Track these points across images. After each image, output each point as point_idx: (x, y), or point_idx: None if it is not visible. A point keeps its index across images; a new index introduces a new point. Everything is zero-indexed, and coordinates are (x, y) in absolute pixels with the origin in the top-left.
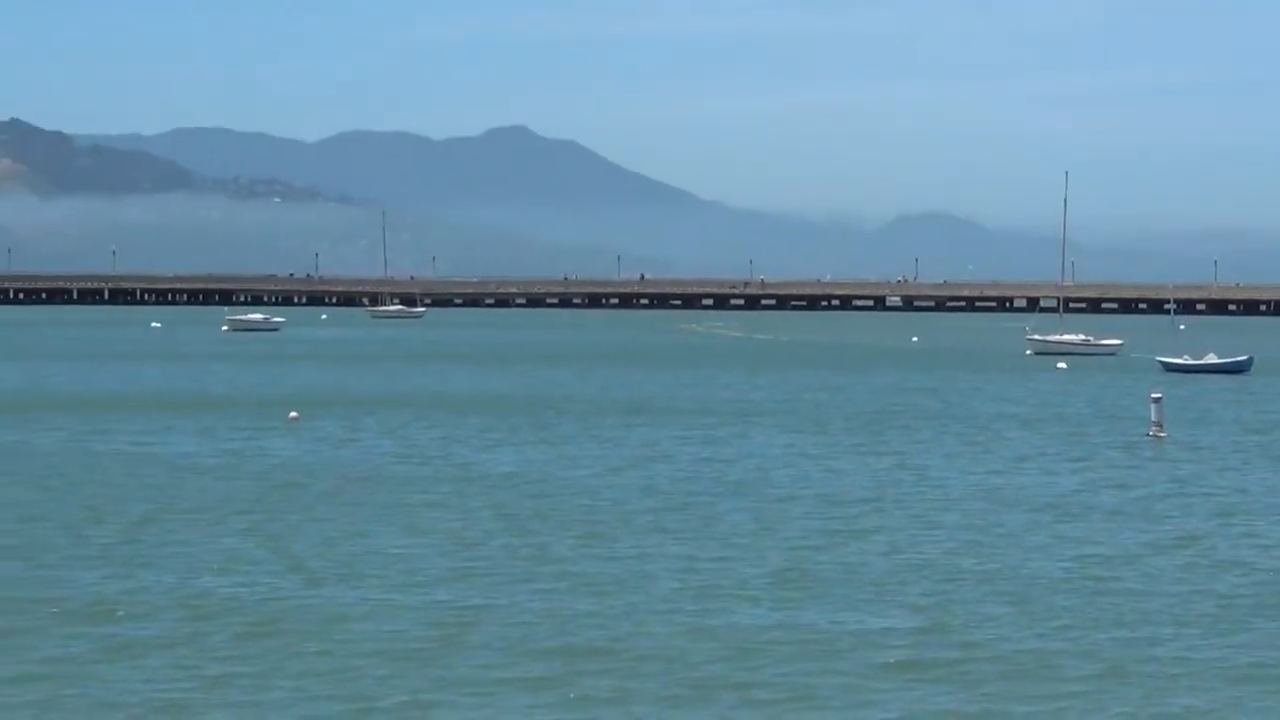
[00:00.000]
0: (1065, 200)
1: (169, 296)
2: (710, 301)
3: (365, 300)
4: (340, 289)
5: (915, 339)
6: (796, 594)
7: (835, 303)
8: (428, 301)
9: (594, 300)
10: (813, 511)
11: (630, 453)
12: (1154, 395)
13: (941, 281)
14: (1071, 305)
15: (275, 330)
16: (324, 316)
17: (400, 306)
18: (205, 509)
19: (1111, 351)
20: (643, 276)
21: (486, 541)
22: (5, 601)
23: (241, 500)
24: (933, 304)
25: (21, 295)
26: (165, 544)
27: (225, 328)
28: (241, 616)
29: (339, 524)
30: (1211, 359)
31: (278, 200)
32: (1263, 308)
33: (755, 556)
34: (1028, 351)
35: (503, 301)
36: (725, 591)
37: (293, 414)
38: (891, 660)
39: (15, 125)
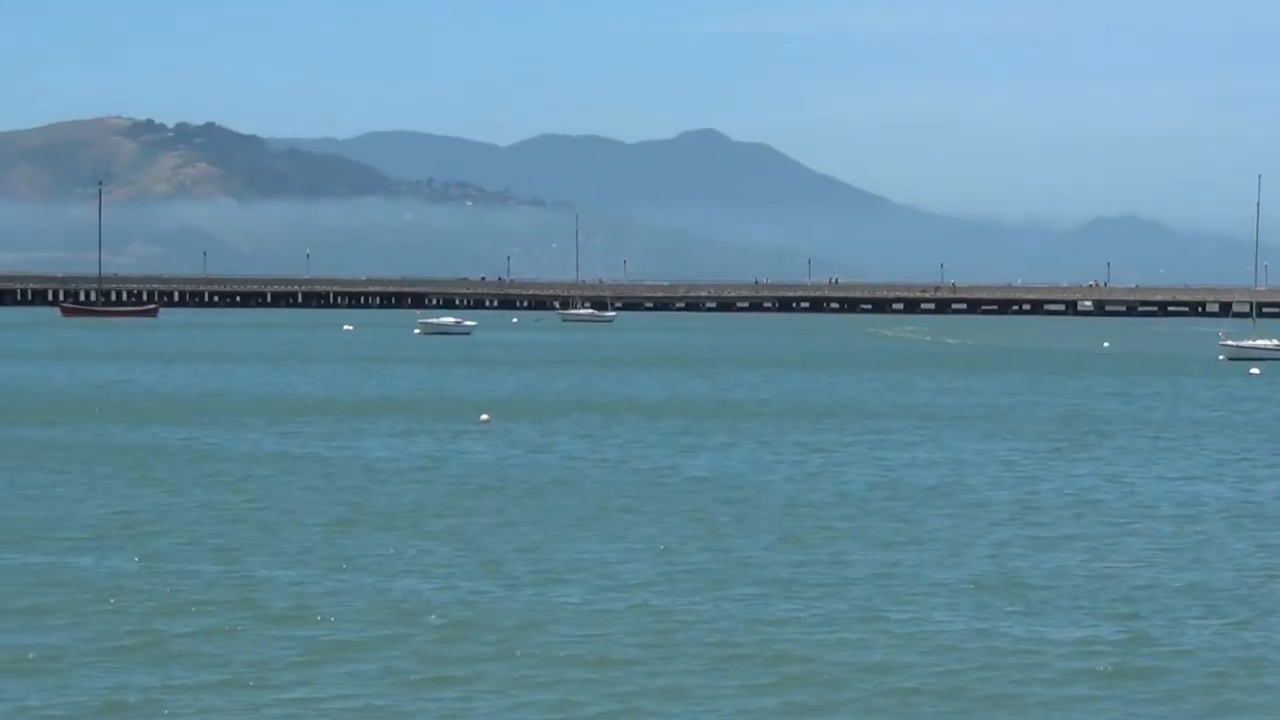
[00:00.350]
0: (1258, 203)
1: (361, 299)
2: (900, 305)
3: (556, 304)
4: (532, 292)
5: (1106, 344)
6: (997, 600)
7: (1026, 307)
8: (619, 305)
9: (784, 304)
10: (1010, 517)
11: (824, 457)
12: None
13: (1133, 286)
14: (1265, 310)
15: (467, 334)
16: (515, 320)
17: (591, 310)
18: (401, 512)
19: None
20: (834, 280)
21: (684, 546)
22: (206, 604)
23: (437, 503)
24: (1124, 309)
25: (216, 298)
26: (363, 547)
27: (417, 330)
28: (443, 620)
29: (536, 528)
30: None
31: (470, 204)
32: None
33: (954, 562)
34: (1221, 357)
35: (693, 305)
36: (925, 598)
37: (484, 416)
38: (1097, 668)
39: (212, 129)
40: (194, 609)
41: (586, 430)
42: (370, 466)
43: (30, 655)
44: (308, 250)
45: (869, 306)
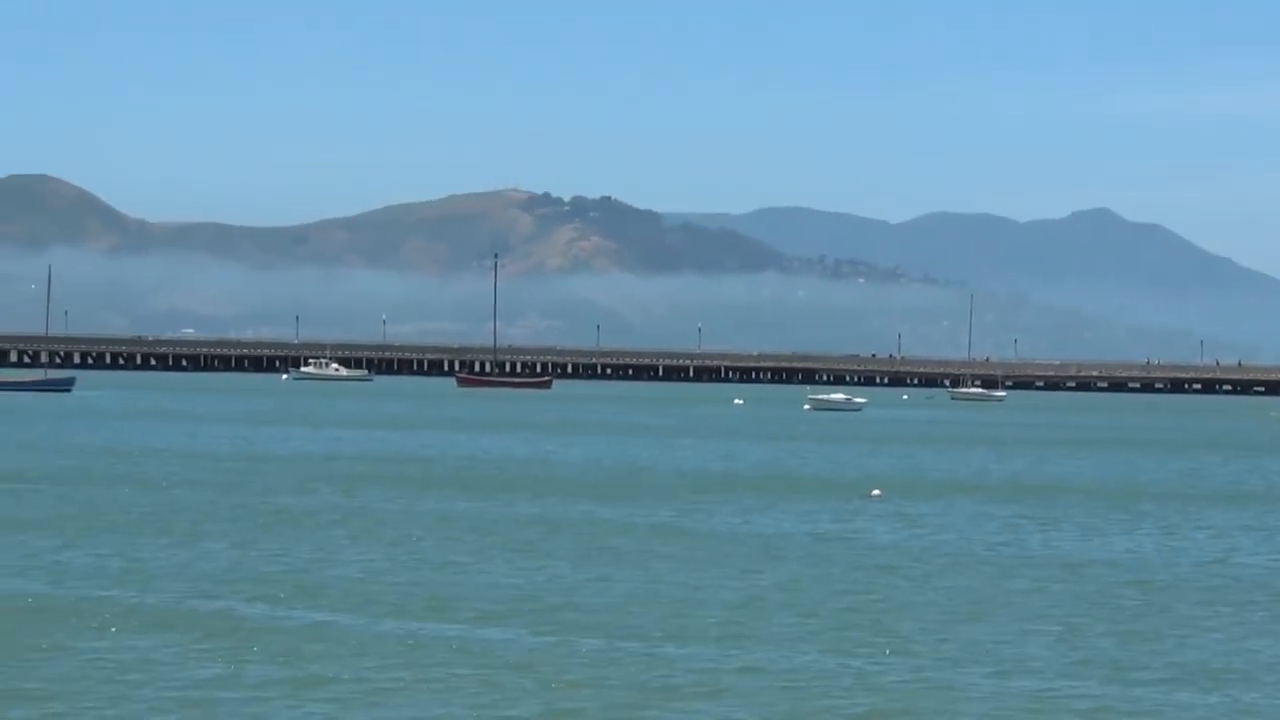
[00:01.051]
0: None
1: (752, 374)
2: None
3: (946, 382)
4: (922, 370)
5: None
6: None
7: None
8: (1009, 383)
9: (1176, 385)
10: None
11: (1233, 541)
12: None
13: None
14: None
15: (857, 410)
16: (905, 397)
17: (981, 389)
18: (802, 587)
19: None
20: (1239, 363)
21: (1090, 628)
22: (603, 681)
23: (838, 581)
24: None
25: (609, 370)
26: (765, 622)
27: (807, 406)
28: (852, 701)
29: (937, 609)
30: None
31: (862, 280)
32: None
33: None
34: None
35: (1084, 385)
36: None
37: (875, 491)
38: None
39: (608, 204)
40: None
41: (980, 510)
42: (769, 542)
43: None
44: (699, 324)
45: (1261, 389)
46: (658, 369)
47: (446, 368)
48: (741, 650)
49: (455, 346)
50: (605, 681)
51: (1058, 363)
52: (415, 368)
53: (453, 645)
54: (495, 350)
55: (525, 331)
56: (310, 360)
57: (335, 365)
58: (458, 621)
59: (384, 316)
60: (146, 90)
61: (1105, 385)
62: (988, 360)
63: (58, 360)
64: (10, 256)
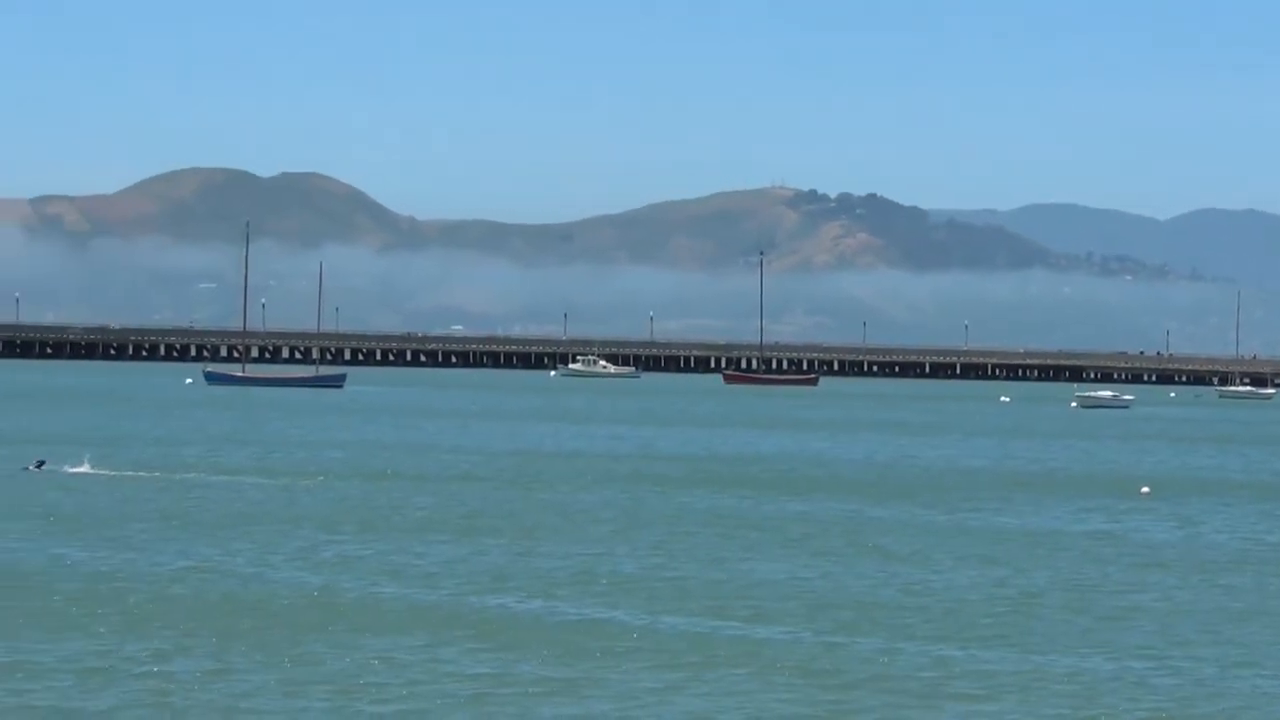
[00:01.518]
0: None
1: (1019, 372)
2: None
3: (1214, 380)
4: (1190, 368)
5: None
6: None
7: None
8: (1278, 381)
9: None
10: None
11: None
12: None
13: None
14: None
15: (1125, 408)
16: (1173, 394)
17: (1249, 387)
18: (1078, 587)
19: None
20: None
21: None
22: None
23: (1113, 580)
24: None
25: (875, 368)
26: (1041, 622)
27: (1074, 404)
28: (1135, 705)
29: (1216, 609)
30: None
31: (1129, 278)
32: None
33: None
34: None
35: None
36: None
37: (1144, 489)
38: None
39: (874, 200)
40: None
41: (1256, 509)
42: (1041, 540)
43: None
44: (966, 322)
45: None
46: (924, 366)
47: (713, 365)
48: (1018, 651)
49: (721, 343)
50: (884, 682)
51: None
52: (681, 365)
53: (730, 643)
54: (761, 347)
55: (791, 328)
56: (578, 357)
57: (603, 362)
58: (734, 619)
59: (651, 313)
60: (411, 91)
61: None
62: (1255, 358)
63: (329, 357)
64: (283, 254)
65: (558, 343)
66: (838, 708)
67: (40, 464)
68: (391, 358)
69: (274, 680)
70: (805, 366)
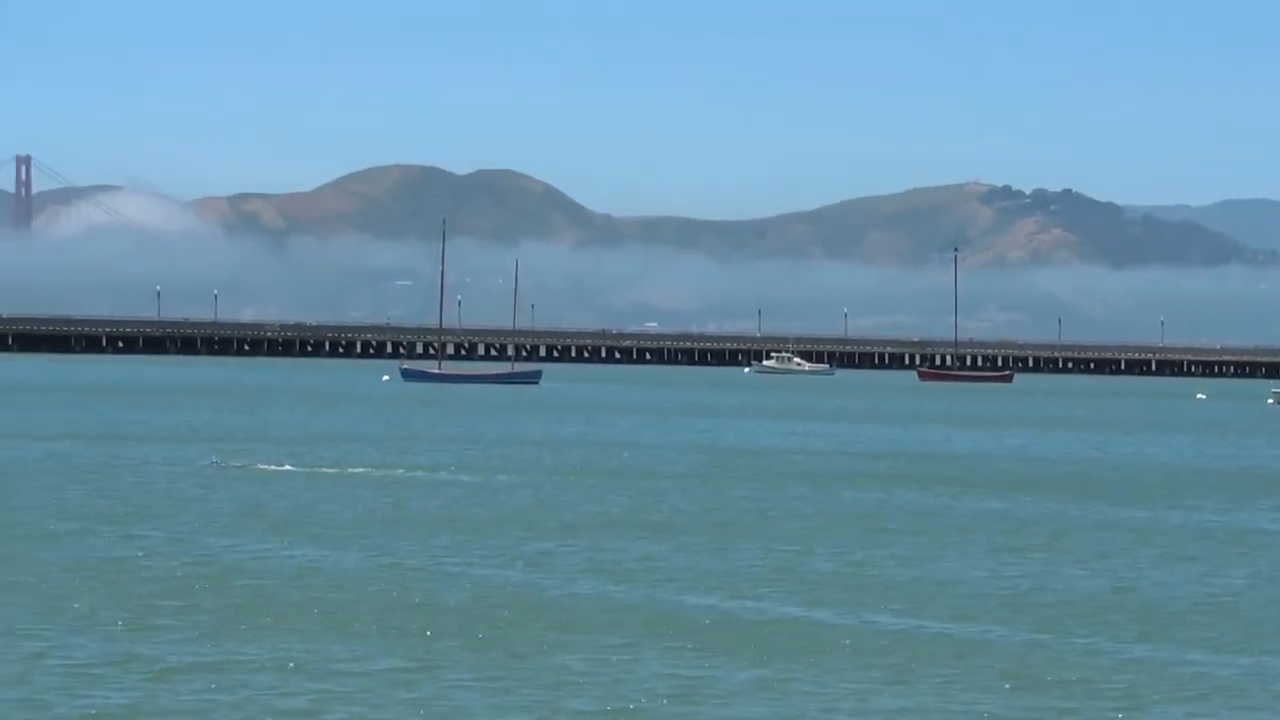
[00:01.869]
0: None
1: (1215, 368)
2: None
3: None
4: None
5: None
6: None
7: None
8: None
9: None
10: None
11: None
12: None
13: None
14: None
15: None
16: None
17: None
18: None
19: None
20: None
21: None
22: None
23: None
24: None
25: (1070, 364)
26: (1239, 622)
27: (1271, 400)
28: None
29: None
30: None
31: None
32: None
33: None
34: None
35: None
36: None
37: None
38: None
39: (1068, 196)
40: None
41: None
42: (1239, 539)
43: None
44: (1162, 318)
45: None
46: (1119, 363)
47: (907, 361)
48: (1217, 655)
49: (916, 340)
50: (1087, 684)
51: None
52: (876, 361)
53: (931, 641)
54: (956, 344)
55: (985, 325)
56: (772, 354)
57: (797, 359)
58: (935, 617)
59: (845, 310)
60: (605, 90)
61: None
62: None
63: (524, 353)
64: (479, 250)
65: (752, 339)
66: (1041, 709)
67: (220, 462)
68: (586, 354)
69: (475, 679)
70: (1000, 363)
